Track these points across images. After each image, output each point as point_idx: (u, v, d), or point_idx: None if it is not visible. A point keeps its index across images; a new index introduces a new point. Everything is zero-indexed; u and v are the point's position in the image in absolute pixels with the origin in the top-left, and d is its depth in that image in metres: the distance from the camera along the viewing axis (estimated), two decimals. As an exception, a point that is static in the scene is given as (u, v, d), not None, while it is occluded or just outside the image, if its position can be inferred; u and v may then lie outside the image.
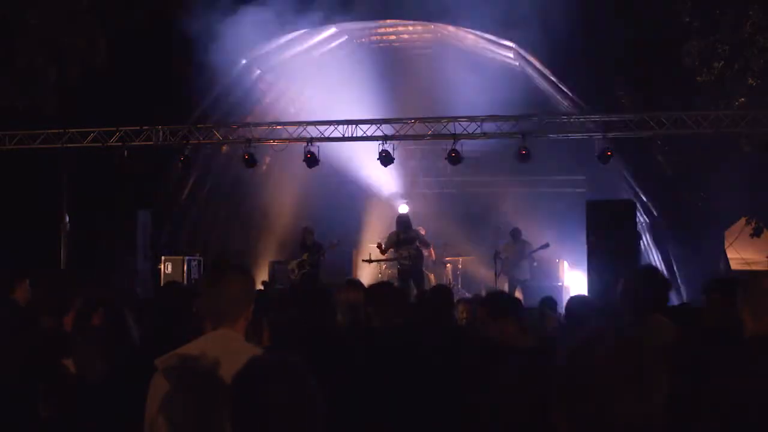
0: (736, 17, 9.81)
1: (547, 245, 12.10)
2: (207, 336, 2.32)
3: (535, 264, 12.40)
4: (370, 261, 12.39)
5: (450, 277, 14.45)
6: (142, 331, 3.70)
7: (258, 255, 15.59)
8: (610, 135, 10.61)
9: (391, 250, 11.46)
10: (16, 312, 3.56)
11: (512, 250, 12.19)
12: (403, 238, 11.21)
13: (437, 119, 11.31)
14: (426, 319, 4.36)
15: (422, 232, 12.55)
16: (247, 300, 2.40)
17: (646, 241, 12.86)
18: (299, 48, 14.36)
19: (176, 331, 3.14)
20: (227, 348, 2.19)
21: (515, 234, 12.36)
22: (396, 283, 11.17)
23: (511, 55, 13.55)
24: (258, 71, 14.41)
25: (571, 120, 11.22)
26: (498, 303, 3.55)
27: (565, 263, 14.14)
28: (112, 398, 2.62)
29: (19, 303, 4.05)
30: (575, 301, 4.82)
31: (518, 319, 3.39)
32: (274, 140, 11.94)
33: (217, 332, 2.32)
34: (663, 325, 3.33)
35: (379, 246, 11.65)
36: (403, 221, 11.47)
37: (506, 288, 11.84)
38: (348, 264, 15.46)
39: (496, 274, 12.01)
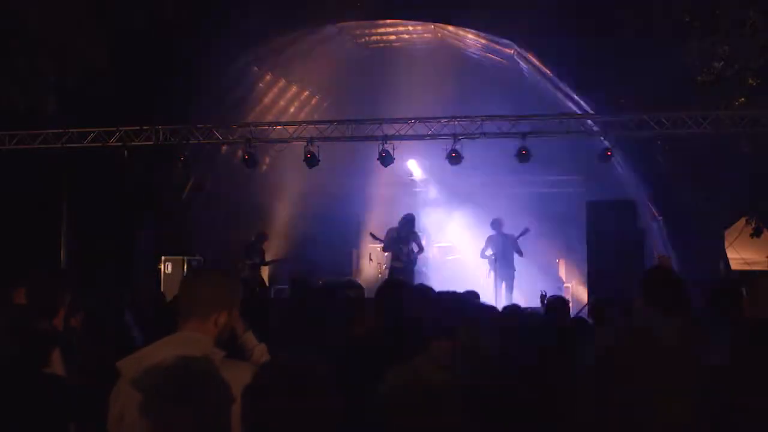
0: (736, 17, 9.82)
1: (527, 230, 11.86)
2: (168, 338, 2.25)
3: (518, 249, 11.92)
4: (374, 237, 12.24)
5: (449, 276, 14.46)
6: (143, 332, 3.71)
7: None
8: (610, 135, 10.62)
9: (389, 253, 11.52)
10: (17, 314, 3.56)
11: (494, 243, 11.94)
12: (403, 237, 11.19)
13: (437, 119, 11.31)
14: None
15: (423, 239, 12.47)
16: (217, 302, 2.31)
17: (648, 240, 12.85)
18: (299, 47, 14.35)
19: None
20: (189, 350, 2.08)
21: (495, 225, 12.06)
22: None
23: (511, 55, 13.55)
24: (258, 71, 14.41)
25: (571, 120, 11.22)
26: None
27: (565, 263, 14.15)
28: (93, 401, 2.60)
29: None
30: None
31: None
32: (274, 140, 11.94)
33: (179, 334, 2.26)
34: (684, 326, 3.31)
35: (372, 234, 11.78)
36: (407, 221, 11.40)
37: (493, 285, 11.75)
38: (348, 263, 15.47)
39: (489, 271, 11.97)
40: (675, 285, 3.32)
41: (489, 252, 11.97)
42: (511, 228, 12.20)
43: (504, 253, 11.77)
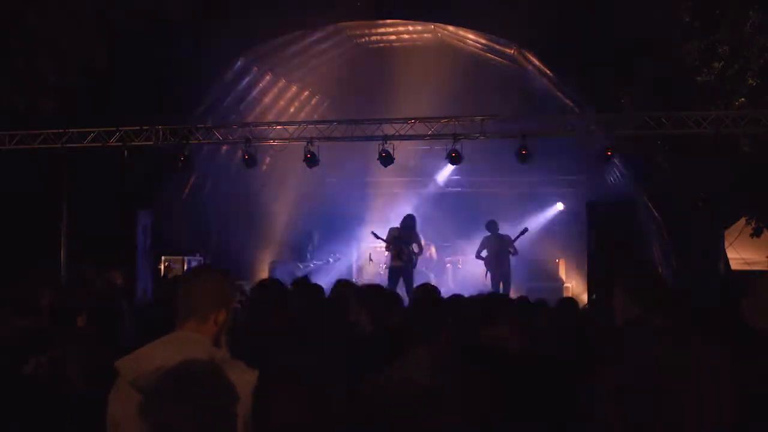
0: (736, 17, 9.82)
1: (525, 230, 11.93)
2: (168, 337, 2.25)
3: (512, 249, 11.95)
4: (376, 236, 12.27)
5: (450, 277, 14.48)
6: (142, 331, 3.72)
7: (258, 255, 15.59)
8: (610, 135, 10.62)
9: (389, 253, 11.52)
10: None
11: (489, 244, 11.97)
12: (404, 237, 11.20)
13: (437, 119, 11.30)
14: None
15: (422, 240, 12.48)
16: (216, 301, 2.32)
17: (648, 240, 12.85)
18: (299, 47, 14.35)
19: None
20: (188, 349, 2.12)
21: (491, 227, 12.09)
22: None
23: (512, 55, 13.55)
24: (258, 71, 14.41)
25: (571, 120, 11.21)
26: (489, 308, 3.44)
27: (565, 263, 14.14)
28: (92, 400, 2.60)
29: None
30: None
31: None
32: (274, 140, 11.94)
33: (178, 333, 2.26)
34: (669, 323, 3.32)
35: (374, 233, 11.78)
36: (408, 222, 11.42)
37: (491, 284, 11.78)
38: (348, 264, 15.47)
39: (486, 273, 11.99)
40: (657, 284, 3.32)
41: (484, 253, 12.00)
42: (510, 228, 12.23)
43: (499, 253, 11.81)
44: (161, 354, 2.13)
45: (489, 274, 12.00)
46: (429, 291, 4.77)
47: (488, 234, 12.05)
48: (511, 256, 11.90)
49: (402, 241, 11.19)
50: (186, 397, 1.87)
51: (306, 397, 1.60)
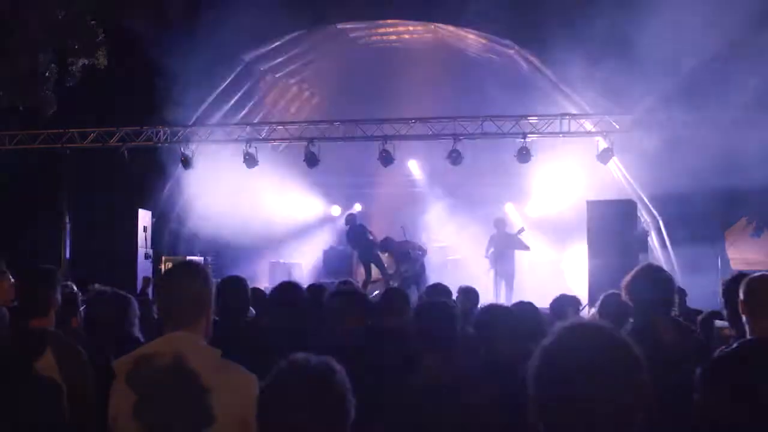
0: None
1: (521, 230, 11.92)
2: (165, 338, 2.25)
3: (521, 246, 11.95)
4: (383, 269, 12.32)
5: (450, 277, 14.47)
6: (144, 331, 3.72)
7: (258, 255, 15.57)
8: (610, 135, 10.62)
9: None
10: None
11: (495, 241, 11.94)
12: (402, 258, 11.29)
13: (437, 119, 11.31)
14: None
15: (418, 242, 12.49)
16: (205, 300, 2.33)
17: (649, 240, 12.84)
18: (299, 48, 14.35)
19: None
20: (185, 350, 2.14)
21: (498, 224, 12.07)
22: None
23: (512, 55, 13.55)
24: (258, 71, 14.40)
25: (571, 120, 11.22)
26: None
27: (565, 263, 14.13)
28: (89, 400, 2.59)
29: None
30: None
31: None
32: (274, 140, 11.94)
33: (175, 334, 2.25)
34: (668, 326, 3.32)
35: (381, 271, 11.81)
36: (386, 243, 11.52)
37: (493, 283, 11.74)
38: (347, 265, 15.45)
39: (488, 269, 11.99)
40: (658, 289, 3.32)
41: (491, 250, 12.00)
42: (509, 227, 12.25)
43: (503, 251, 11.77)
44: (159, 355, 2.13)
45: (492, 271, 11.99)
46: (440, 293, 4.78)
47: (495, 231, 12.05)
48: (511, 256, 11.90)
49: (403, 258, 11.28)
50: (183, 396, 1.87)
51: (313, 398, 1.60)
